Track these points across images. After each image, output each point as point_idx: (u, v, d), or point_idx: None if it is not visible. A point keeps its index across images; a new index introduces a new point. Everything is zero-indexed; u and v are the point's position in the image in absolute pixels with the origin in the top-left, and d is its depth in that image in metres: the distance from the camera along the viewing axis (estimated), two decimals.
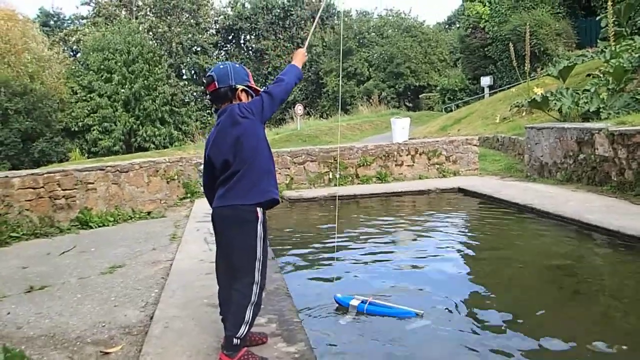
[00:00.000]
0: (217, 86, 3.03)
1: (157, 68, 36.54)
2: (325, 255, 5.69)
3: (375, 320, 3.79)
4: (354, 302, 3.94)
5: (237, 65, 3.13)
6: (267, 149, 3.06)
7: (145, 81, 34.79)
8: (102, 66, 34.34)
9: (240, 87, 3.05)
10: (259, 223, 2.96)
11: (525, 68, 13.16)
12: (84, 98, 33.90)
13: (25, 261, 5.69)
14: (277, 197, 3.07)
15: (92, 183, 7.77)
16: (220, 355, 2.91)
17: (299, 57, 3.28)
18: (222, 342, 2.95)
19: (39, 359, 3.19)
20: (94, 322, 3.79)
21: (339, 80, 42.27)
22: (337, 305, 4.04)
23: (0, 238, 6.61)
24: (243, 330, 2.87)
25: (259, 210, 2.98)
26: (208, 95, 3.15)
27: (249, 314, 2.89)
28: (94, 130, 33.32)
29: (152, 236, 6.65)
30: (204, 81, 3.17)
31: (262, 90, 3.07)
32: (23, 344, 3.44)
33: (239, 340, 2.87)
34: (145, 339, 3.37)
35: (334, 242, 6.28)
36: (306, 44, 3.69)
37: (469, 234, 6.67)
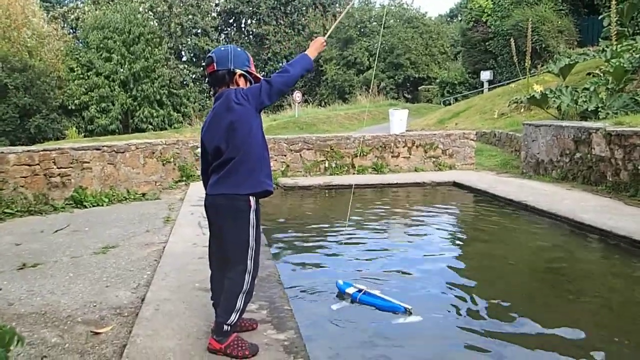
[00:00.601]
0: (215, 68, 2.97)
1: (157, 49, 36.31)
2: (319, 241, 5.71)
3: (365, 310, 3.82)
4: (350, 290, 4.00)
5: (239, 49, 3.05)
6: (262, 138, 2.99)
7: (146, 62, 34.58)
8: (101, 45, 34.09)
9: (238, 71, 2.97)
10: (251, 212, 2.93)
11: (526, 64, 13.17)
12: (81, 76, 33.69)
13: (18, 238, 5.68)
14: (271, 189, 3.04)
15: (88, 162, 7.75)
16: (210, 340, 2.92)
17: (316, 46, 3.12)
18: (213, 326, 2.97)
19: (30, 336, 3.19)
20: (85, 302, 3.79)
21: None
22: (337, 290, 4.14)
23: None
24: (234, 317, 2.88)
25: (252, 199, 2.95)
26: (207, 78, 3.09)
27: (240, 302, 2.89)
28: (91, 108, 33.15)
29: (146, 218, 6.64)
30: (204, 62, 3.11)
31: (262, 78, 2.99)
32: (14, 320, 3.45)
33: (229, 327, 2.88)
34: (135, 321, 3.37)
35: (328, 228, 6.31)
36: (328, 33, 3.57)
37: (462, 229, 6.70)
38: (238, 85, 2.98)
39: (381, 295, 3.93)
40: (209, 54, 3.04)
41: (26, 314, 3.59)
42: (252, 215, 2.94)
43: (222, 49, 3.03)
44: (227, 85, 2.98)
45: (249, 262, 2.92)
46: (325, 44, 3.19)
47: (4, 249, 5.27)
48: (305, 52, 3.08)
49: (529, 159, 9.70)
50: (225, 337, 2.87)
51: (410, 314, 3.72)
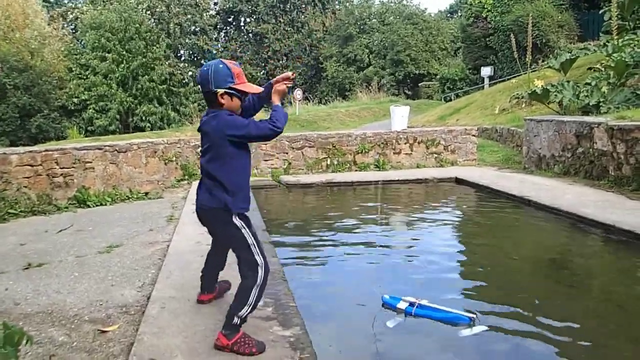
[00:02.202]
0: (201, 90, 3.01)
1: (155, 47, 36.24)
2: (322, 239, 5.72)
3: (424, 324, 3.57)
4: (402, 305, 3.73)
5: (221, 65, 2.95)
6: (240, 166, 3.03)
7: (144, 58, 34.53)
8: (96, 44, 33.97)
9: (220, 91, 2.93)
10: (233, 217, 2.98)
11: (527, 59, 13.12)
12: (80, 76, 33.65)
13: (23, 238, 5.70)
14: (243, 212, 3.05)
15: (90, 162, 7.77)
16: (218, 335, 2.94)
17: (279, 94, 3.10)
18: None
19: (37, 335, 3.21)
20: (91, 301, 3.81)
21: (338, 66, 42.07)
22: (383, 305, 3.85)
23: None
24: (245, 310, 2.91)
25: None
26: None
27: (253, 296, 2.92)
28: (89, 109, 33.11)
29: (149, 217, 6.66)
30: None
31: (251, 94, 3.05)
32: (21, 320, 3.46)
33: (239, 320, 2.91)
34: (142, 319, 3.39)
35: (331, 226, 6.32)
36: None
37: (465, 224, 6.70)
38: (222, 105, 2.96)
39: (437, 306, 3.64)
40: (197, 73, 3.07)
41: (33, 313, 3.61)
42: (236, 219, 2.98)
43: (205, 68, 2.98)
44: (214, 104, 2.99)
45: (257, 257, 2.96)
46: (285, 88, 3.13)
47: (8, 249, 5.28)
48: (277, 104, 3.06)
49: (531, 154, 9.70)
50: (233, 331, 2.90)
51: (475, 323, 3.46)
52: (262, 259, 2.98)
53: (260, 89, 3.10)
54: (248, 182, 3.12)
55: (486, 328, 3.42)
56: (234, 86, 2.94)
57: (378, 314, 3.69)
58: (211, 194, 2.99)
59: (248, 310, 2.92)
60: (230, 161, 2.97)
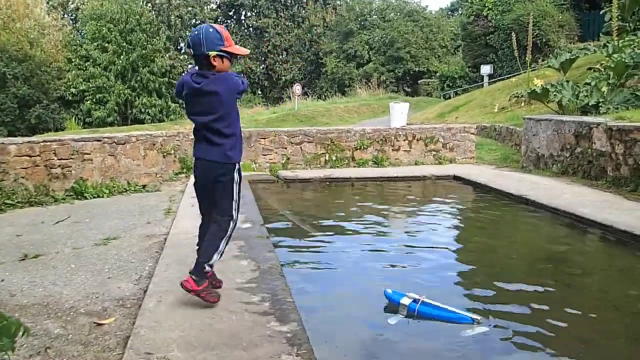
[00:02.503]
0: (193, 53, 3.21)
1: (155, 39, 36.10)
2: (321, 235, 5.72)
3: (427, 323, 3.54)
4: (405, 301, 3.63)
5: (211, 29, 3.19)
6: (239, 120, 3.42)
7: (144, 50, 34.40)
8: (96, 34, 33.81)
9: (212, 53, 3.14)
10: (235, 168, 3.35)
11: (527, 58, 13.11)
12: (79, 67, 33.52)
13: (19, 229, 5.68)
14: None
15: (89, 154, 7.73)
16: (187, 279, 3.21)
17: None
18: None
19: (33, 327, 3.19)
20: (87, 293, 3.79)
21: (339, 61, 41.93)
22: (387, 301, 3.77)
23: None
24: (215, 258, 3.25)
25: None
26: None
27: (223, 245, 3.30)
28: (87, 100, 32.97)
29: (146, 210, 6.64)
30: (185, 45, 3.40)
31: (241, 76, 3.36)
32: (16, 311, 3.45)
33: (210, 267, 3.23)
34: (138, 312, 3.38)
35: (329, 222, 6.31)
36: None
37: (462, 222, 6.70)
38: (214, 66, 3.18)
39: (441, 305, 3.57)
40: (187, 37, 3.28)
41: (29, 305, 3.59)
42: (236, 173, 3.36)
43: (196, 32, 3.21)
44: (207, 67, 3.20)
45: (234, 211, 3.37)
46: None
47: (5, 240, 5.26)
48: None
49: (530, 153, 9.70)
50: (203, 278, 3.21)
51: (479, 323, 3.43)
52: (237, 214, 3.38)
53: (247, 51, 3.46)
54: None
55: (487, 329, 3.39)
56: (224, 49, 3.18)
57: (380, 311, 3.69)
58: (219, 148, 3.27)
59: (217, 258, 3.24)
60: (235, 117, 3.33)
